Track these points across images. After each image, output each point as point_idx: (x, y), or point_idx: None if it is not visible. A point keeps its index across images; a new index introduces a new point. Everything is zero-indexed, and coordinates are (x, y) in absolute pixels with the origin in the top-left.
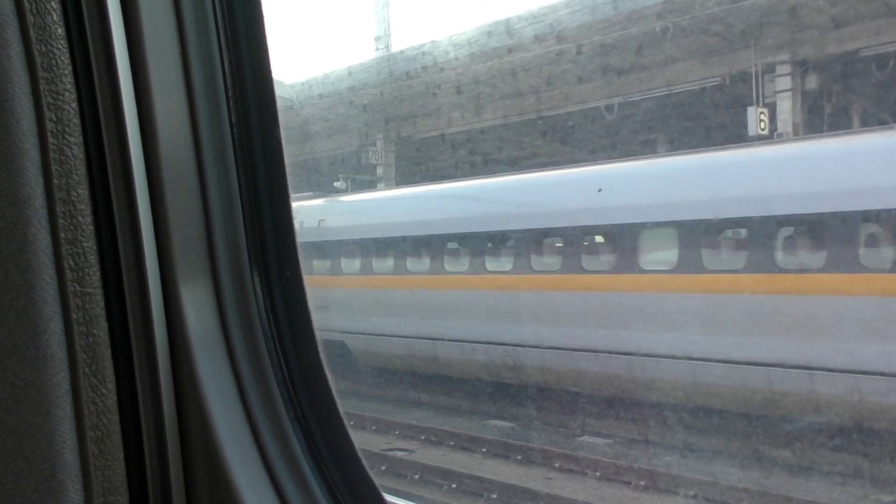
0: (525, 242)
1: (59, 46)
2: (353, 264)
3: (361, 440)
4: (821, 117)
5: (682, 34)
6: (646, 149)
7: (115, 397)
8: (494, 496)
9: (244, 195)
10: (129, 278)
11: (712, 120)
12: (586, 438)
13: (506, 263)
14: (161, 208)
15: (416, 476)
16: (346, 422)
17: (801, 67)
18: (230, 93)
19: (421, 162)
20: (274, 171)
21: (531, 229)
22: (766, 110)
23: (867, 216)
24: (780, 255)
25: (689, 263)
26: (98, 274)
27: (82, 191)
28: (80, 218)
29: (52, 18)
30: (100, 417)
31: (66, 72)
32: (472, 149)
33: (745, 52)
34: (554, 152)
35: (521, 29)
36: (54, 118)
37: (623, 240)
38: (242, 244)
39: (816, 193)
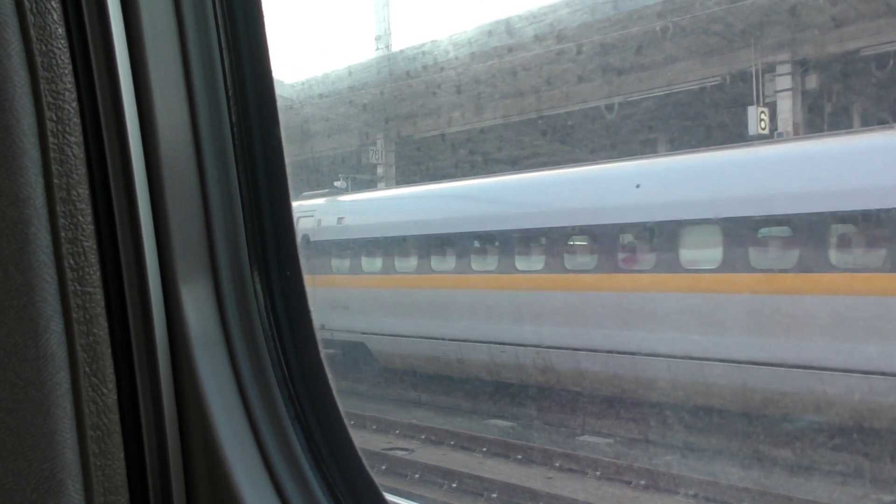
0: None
1: (60, 46)
2: (374, 263)
3: (361, 440)
4: (821, 117)
5: (683, 34)
6: (646, 148)
7: (115, 396)
8: (495, 496)
9: (244, 194)
10: (129, 277)
11: (712, 119)
12: (586, 438)
13: (537, 262)
14: (161, 207)
15: (417, 475)
16: (346, 421)
17: (802, 67)
18: (230, 92)
19: (421, 161)
20: (274, 170)
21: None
22: (766, 110)
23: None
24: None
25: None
26: (98, 273)
27: (82, 190)
28: (80, 217)
29: (53, 18)
30: (100, 417)
31: (66, 71)
32: (472, 148)
33: (745, 52)
34: (554, 152)
35: (521, 28)
36: (54, 118)
37: (659, 238)
38: (242, 243)
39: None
